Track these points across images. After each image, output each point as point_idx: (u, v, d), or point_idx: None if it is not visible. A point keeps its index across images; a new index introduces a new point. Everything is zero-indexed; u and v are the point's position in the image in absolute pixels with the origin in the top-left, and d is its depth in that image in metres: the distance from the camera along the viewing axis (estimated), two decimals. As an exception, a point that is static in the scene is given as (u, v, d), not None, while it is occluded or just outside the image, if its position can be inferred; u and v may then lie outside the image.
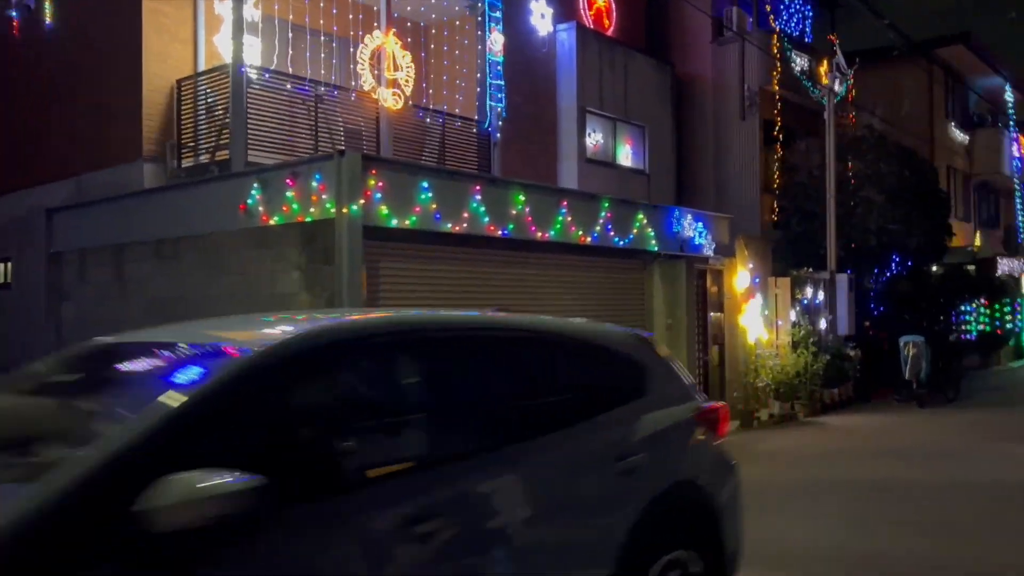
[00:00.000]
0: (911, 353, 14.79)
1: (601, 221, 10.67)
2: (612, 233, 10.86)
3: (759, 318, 13.83)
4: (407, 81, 11.93)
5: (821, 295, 15.24)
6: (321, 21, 11.62)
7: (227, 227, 8.53)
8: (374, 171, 7.69)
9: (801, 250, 16.58)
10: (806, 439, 11.74)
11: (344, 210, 7.40)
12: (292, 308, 7.67)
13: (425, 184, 8.20)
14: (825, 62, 16.98)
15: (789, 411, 13.35)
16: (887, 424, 13.35)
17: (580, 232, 10.29)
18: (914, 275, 17.47)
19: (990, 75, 29.11)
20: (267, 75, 10.40)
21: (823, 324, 15.19)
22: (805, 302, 14.63)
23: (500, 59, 13.42)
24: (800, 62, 18.44)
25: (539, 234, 9.65)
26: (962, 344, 18.60)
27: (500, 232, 9.11)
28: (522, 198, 9.39)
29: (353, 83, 11.73)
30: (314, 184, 7.69)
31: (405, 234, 8.07)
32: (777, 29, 18.03)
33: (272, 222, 8.11)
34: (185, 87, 10.74)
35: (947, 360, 15.85)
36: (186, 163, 10.69)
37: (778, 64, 17.67)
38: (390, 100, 11.62)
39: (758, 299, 13.89)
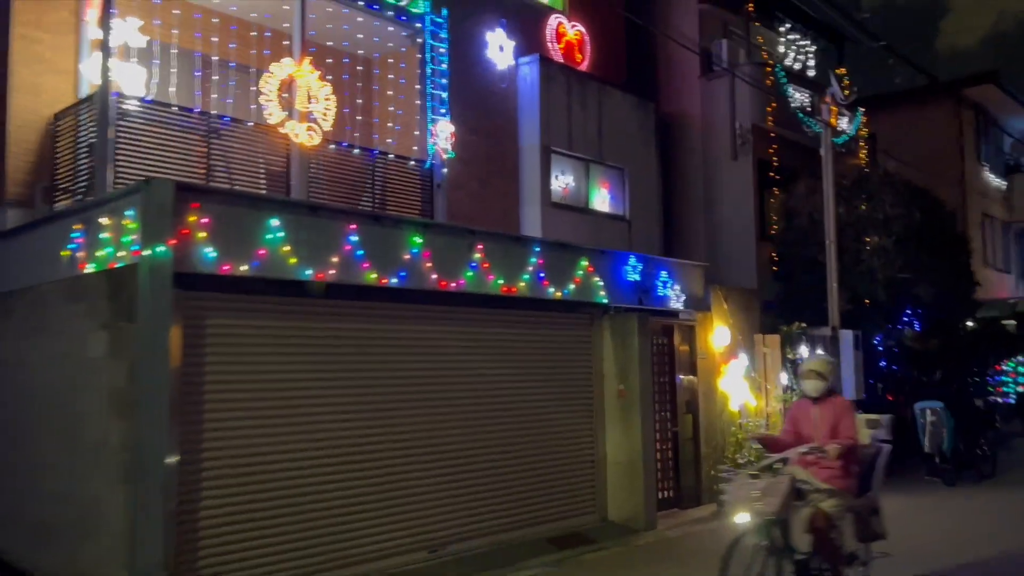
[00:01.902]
0: (929, 421, 12.69)
1: (531, 268, 9.06)
2: (546, 283, 9.23)
3: (743, 382, 11.93)
4: (325, 115, 10.59)
5: (820, 354, 13.25)
6: (234, 49, 10.41)
7: (50, 278, 7.12)
8: (196, 204, 6.23)
9: (803, 303, 14.68)
10: None
11: (147, 252, 5.92)
12: (103, 377, 6.17)
13: (274, 221, 6.71)
14: (831, 99, 15.32)
15: (779, 492, 11.31)
16: (905, 509, 11.19)
17: (501, 281, 8.68)
18: (934, 330, 15.37)
19: (1024, 115, 27.12)
20: (146, 104, 9.13)
21: (824, 388, 13.16)
22: (801, 362, 12.65)
23: (445, 93, 12.08)
24: (800, 97, 16.82)
25: (445, 283, 8.07)
26: (997, 408, 16.29)
27: (390, 281, 7.55)
28: (419, 240, 7.84)
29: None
30: (125, 222, 6.25)
31: (245, 283, 6.55)
32: (771, 62, 16.46)
33: (88, 269, 6.68)
34: (62, 122, 9.52)
35: (977, 428, 13.65)
36: (60, 206, 9.41)
37: (773, 100, 16.07)
38: (303, 135, 10.27)
39: (742, 359, 12.03)
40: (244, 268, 6.48)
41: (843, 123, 17.90)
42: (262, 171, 10.42)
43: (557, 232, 13.18)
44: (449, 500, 8.10)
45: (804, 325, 12.45)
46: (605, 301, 9.96)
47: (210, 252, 6.28)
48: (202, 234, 6.23)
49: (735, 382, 11.80)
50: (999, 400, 17.81)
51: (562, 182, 14.54)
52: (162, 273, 5.95)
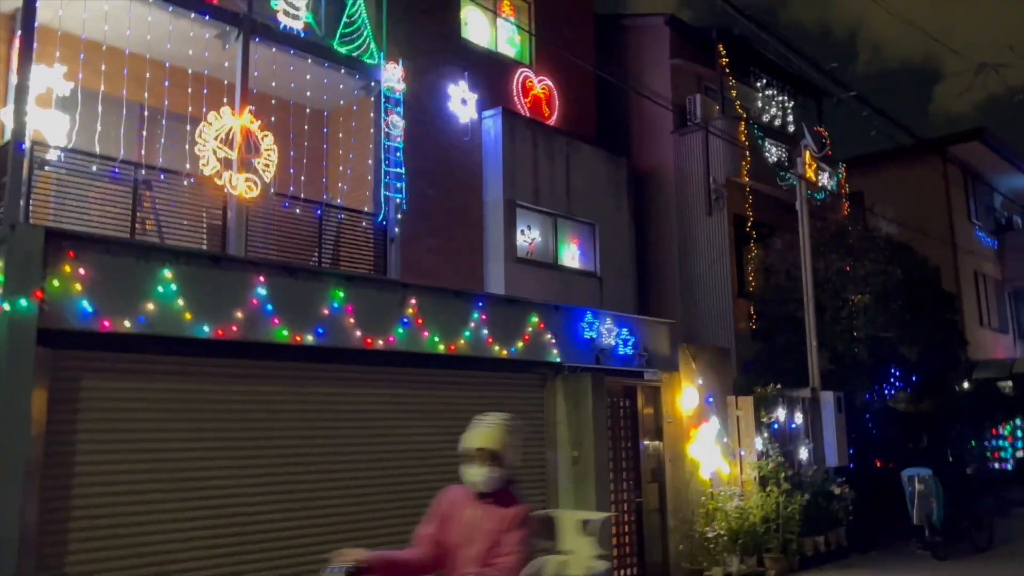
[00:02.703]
0: (917, 490, 11.85)
1: (473, 324, 8.42)
2: (491, 340, 8.58)
3: (715, 447, 11.16)
4: (267, 166, 10.12)
5: (799, 417, 12.52)
6: (166, 100, 10.00)
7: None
8: (72, 253, 5.64)
9: (783, 363, 14.00)
10: None
11: (6, 306, 5.30)
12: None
13: (166, 272, 6.11)
14: (806, 152, 14.93)
15: (754, 569, 10.44)
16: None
17: (438, 339, 8.03)
18: (926, 392, 14.63)
19: (1013, 173, 26.81)
20: (64, 155, 8.65)
21: (804, 454, 12.39)
22: (776, 426, 11.92)
23: (399, 144, 11.66)
24: (777, 152, 16.45)
25: (371, 340, 7.42)
26: (993, 476, 15.40)
27: (305, 338, 6.91)
28: (340, 293, 7.23)
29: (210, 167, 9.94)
30: (-8, 272, 5.66)
31: (129, 341, 5.92)
32: (743, 115, 16.13)
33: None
34: (-21, 173, 9.04)
35: (970, 497, 12.78)
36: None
37: (747, 154, 15.68)
38: (241, 187, 9.77)
39: (713, 423, 11.28)
40: (128, 324, 5.85)
41: (823, 179, 17.51)
42: (203, 225, 9.96)
43: (523, 289, 12.58)
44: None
45: (779, 386, 11.71)
46: (558, 360, 9.29)
47: (87, 306, 5.66)
48: (78, 286, 5.63)
49: (706, 448, 11.03)
50: (996, 466, 16.89)
51: (528, 237, 14.03)
52: (24, 329, 5.32)
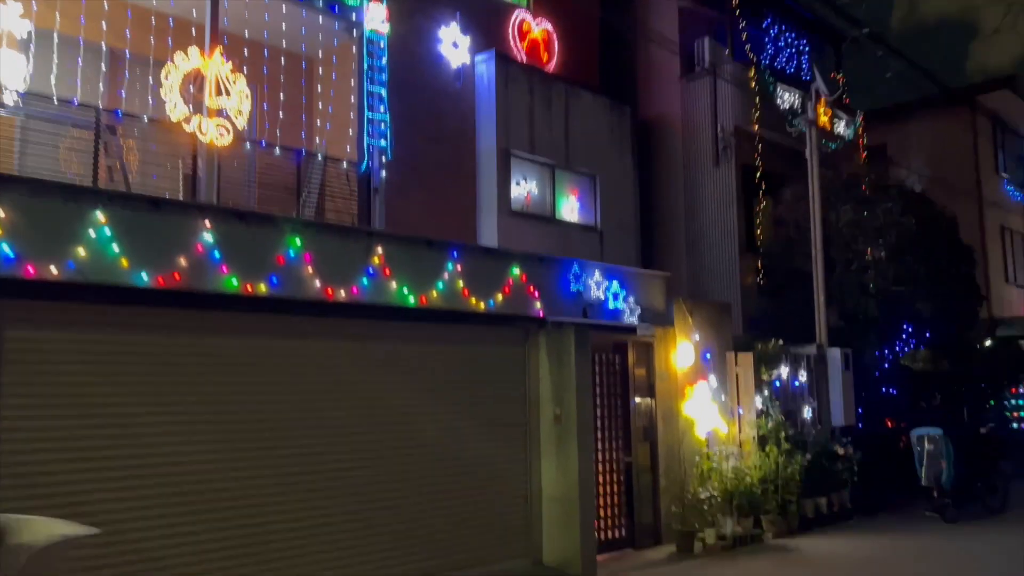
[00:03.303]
0: (926, 450, 11.33)
1: (447, 276, 7.97)
2: (467, 293, 8.13)
3: (712, 405, 10.69)
4: (240, 112, 9.63)
5: (803, 376, 11.98)
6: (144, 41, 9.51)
7: None
8: (-12, 194, 5.24)
9: (790, 320, 13.43)
10: None
11: (-88, 249, 4.93)
12: None
13: (99, 215, 5.70)
14: (818, 96, 14.14)
15: (750, 531, 10.02)
16: (894, 551, 9.89)
17: (407, 290, 7.59)
18: (938, 350, 14.00)
19: (1045, 123, 25.60)
20: (21, 98, 8.23)
21: (807, 413, 11.88)
22: (778, 385, 11.40)
23: (382, 91, 11.11)
24: (789, 98, 15.65)
25: (332, 291, 7.00)
26: (1013, 437, 14.79)
27: (256, 288, 6.50)
28: (297, 241, 6.80)
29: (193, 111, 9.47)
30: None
31: (60, 289, 5.53)
32: (755, 60, 15.32)
33: None
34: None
35: (985, 459, 12.23)
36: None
37: (757, 101, 14.93)
38: (212, 134, 9.31)
39: (710, 381, 10.79)
40: (55, 271, 5.47)
41: (840, 127, 16.69)
42: (178, 174, 9.56)
43: (518, 244, 12.07)
44: (329, 546, 6.96)
45: (781, 342, 11.17)
46: (541, 314, 8.83)
47: (7, 250, 5.28)
48: (-3, 229, 5.24)
49: (702, 406, 10.55)
50: (1016, 426, 16.26)
51: (524, 189, 13.48)
52: (-65, 274, 4.96)
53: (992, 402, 16.94)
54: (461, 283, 8.07)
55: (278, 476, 6.63)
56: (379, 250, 7.41)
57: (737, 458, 10.53)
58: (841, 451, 11.32)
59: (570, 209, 14.26)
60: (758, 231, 14.74)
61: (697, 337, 10.78)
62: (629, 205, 15.21)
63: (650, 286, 10.41)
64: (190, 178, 9.59)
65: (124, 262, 5.77)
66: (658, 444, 10.03)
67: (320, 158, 10.64)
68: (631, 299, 9.95)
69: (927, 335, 13.43)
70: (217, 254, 6.27)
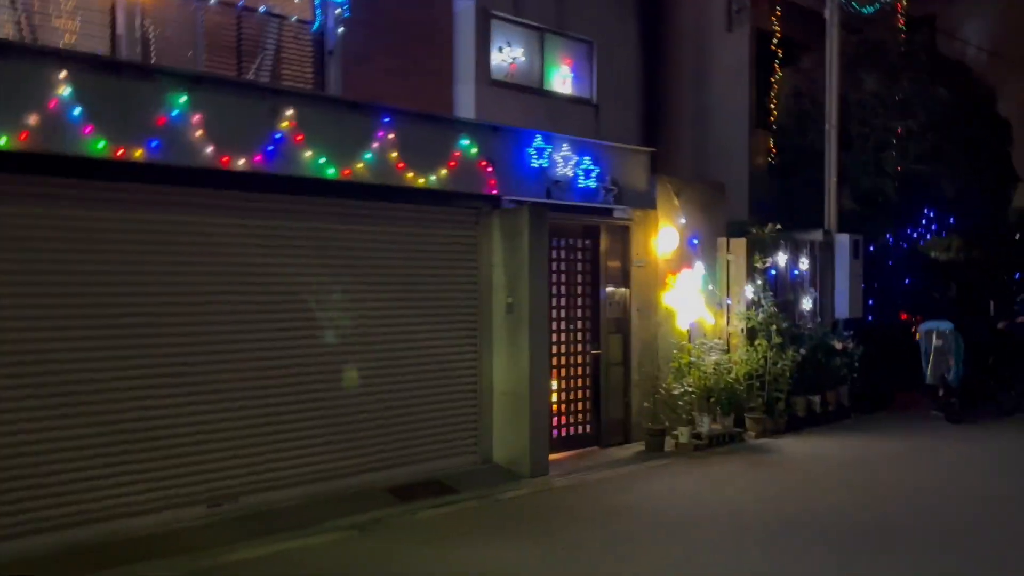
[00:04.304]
0: (935, 346, 10.36)
1: (376, 146, 6.97)
2: (402, 166, 7.14)
3: (698, 296, 9.76)
4: (162, -43, 8.47)
5: (804, 264, 10.91)
6: None
7: None
8: None
9: (800, 203, 12.25)
10: (708, 484, 7.62)
11: None
12: None
13: (-86, 63, 4.79)
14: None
15: (730, 429, 9.28)
16: (882, 452, 9.11)
17: (325, 160, 6.64)
18: (963, 237, 12.70)
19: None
20: None
21: (807, 304, 10.89)
22: (774, 274, 10.37)
23: (337, -67, 9.78)
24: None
25: (229, 158, 6.08)
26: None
27: (133, 152, 5.61)
28: (182, 98, 5.83)
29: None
30: None
31: None
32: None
33: None
34: None
35: (998, 356, 11.23)
36: None
37: (779, -47, 13.16)
38: (130, -18, 8.21)
39: (697, 269, 9.82)
40: None
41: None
42: (107, 33, 8.54)
43: (500, 117, 10.85)
44: (249, 441, 6.37)
45: (779, 227, 10.06)
46: (495, 192, 7.84)
47: None
48: None
49: (686, 296, 9.64)
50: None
51: (508, 56, 12.17)
52: None
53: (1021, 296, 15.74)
54: (395, 154, 7.07)
55: (166, 375, 5.95)
56: (289, 112, 6.42)
57: (723, 352, 9.69)
58: (839, 345, 10.38)
59: (562, 80, 12.95)
60: (772, 104, 13.30)
61: (683, 220, 9.74)
62: (630, 76, 13.81)
63: (630, 163, 9.30)
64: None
65: (-45, 119, 4.90)
66: (631, 337, 9.19)
67: (263, 11, 9.48)
68: (607, 177, 8.87)
69: (951, 220, 12.14)
70: (78, 111, 5.35)
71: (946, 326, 10.29)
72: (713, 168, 13.74)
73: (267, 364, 6.52)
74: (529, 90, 12.34)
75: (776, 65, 13.35)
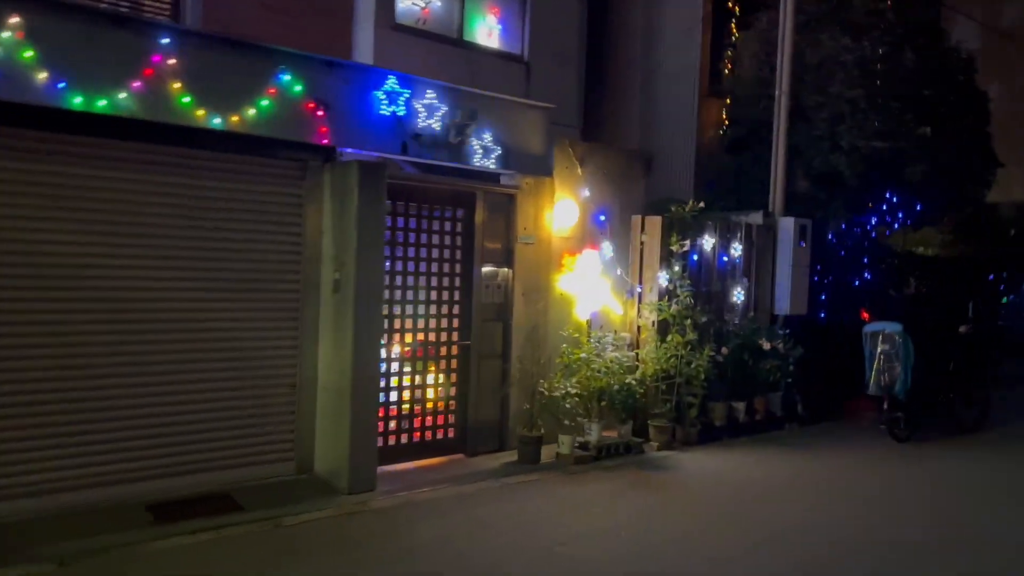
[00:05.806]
0: (880, 350, 8.88)
1: (150, 73, 5.51)
2: (191, 100, 5.69)
3: (603, 281, 8.32)
4: None
5: (737, 250, 9.43)
6: None
7: None
8: None
9: (749, 183, 10.78)
10: (556, 511, 6.11)
11: None
12: None
13: None
14: None
15: (628, 439, 7.86)
16: (794, 475, 7.66)
17: (67, 87, 5.18)
18: (939, 229, 11.19)
19: None
20: None
21: (738, 296, 9.42)
22: (695, 259, 8.89)
23: None
24: None
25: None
26: (994, 336, 12.13)
27: None
28: None
29: None
30: None
31: None
32: None
33: None
34: None
35: (965, 364, 9.75)
36: None
37: None
38: None
39: (604, 250, 8.37)
40: None
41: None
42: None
43: (404, 67, 9.38)
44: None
45: (702, 204, 8.56)
46: (326, 142, 6.38)
47: None
48: None
49: (588, 281, 8.19)
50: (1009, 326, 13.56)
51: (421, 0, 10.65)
52: None
53: (1005, 300, 14.26)
54: (179, 85, 5.63)
55: None
56: (14, 20, 4.97)
57: (629, 347, 8.26)
58: (767, 345, 8.91)
59: (487, 32, 11.38)
60: (726, 71, 11.76)
61: (587, 193, 8.28)
62: (571, 31, 12.20)
63: (522, 120, 7.81)
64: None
65: None
66: (512, 326, 7.75)
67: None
68: (487, 135, 7.40)
69: (918, 208, 10.60)
70: None
71: (894, 328, 8.81)
72: (660, 140, 12.24)
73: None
74: (444, 40, 10.78)
75: (733, 26, 11.79)
